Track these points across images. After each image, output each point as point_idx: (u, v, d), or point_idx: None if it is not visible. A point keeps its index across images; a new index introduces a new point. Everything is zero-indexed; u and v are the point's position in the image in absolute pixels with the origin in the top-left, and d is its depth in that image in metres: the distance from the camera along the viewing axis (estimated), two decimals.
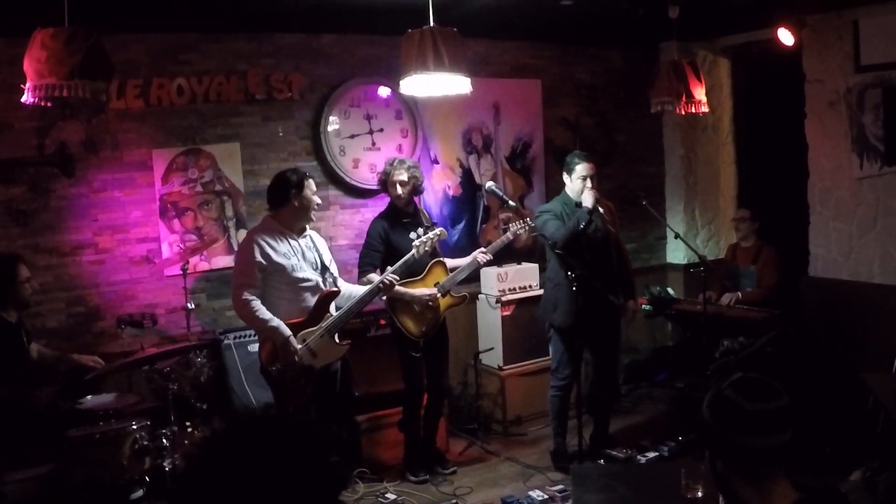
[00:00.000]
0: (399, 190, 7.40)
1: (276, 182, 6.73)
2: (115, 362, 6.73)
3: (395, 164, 7.47)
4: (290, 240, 6.64)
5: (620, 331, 7.99)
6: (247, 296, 6.43)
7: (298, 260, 6.62)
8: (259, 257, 6.48)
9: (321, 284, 6.75)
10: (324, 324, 6.63)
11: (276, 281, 6.56)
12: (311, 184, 6.70)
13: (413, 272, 7.33)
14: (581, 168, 7.48)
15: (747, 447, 2.76)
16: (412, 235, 7.29)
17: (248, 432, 2.06)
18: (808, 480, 2.87)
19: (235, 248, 8.08)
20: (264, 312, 6.42)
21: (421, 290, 7.37)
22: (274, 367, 6.47)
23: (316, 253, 6.82)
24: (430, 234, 7.15)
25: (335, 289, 6.81)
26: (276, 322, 6.41)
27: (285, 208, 6.65)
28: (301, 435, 2.09)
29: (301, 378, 6.50)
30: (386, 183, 7.47)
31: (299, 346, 6.46)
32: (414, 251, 7.05)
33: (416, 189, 7.52)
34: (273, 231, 6.62)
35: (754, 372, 3.00)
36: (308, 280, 6.66)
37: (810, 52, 9.03)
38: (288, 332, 6.42)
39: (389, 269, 7.01)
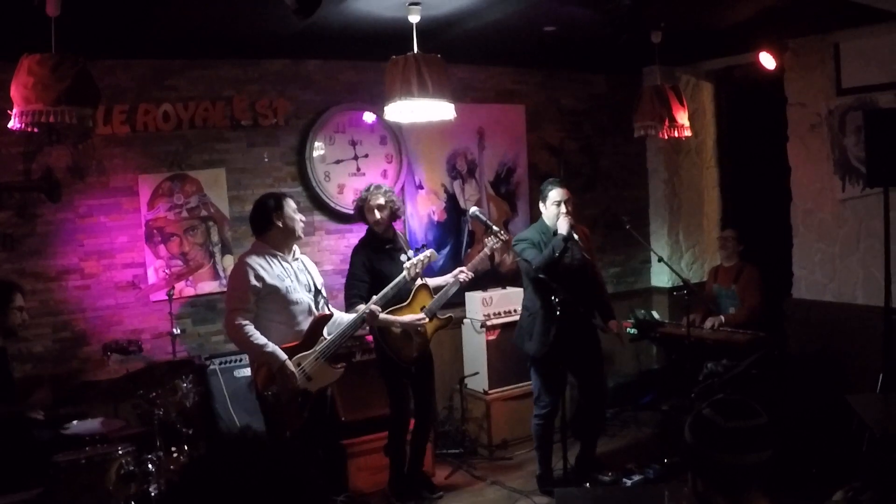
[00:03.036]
0: (377, 215, 7.39)
1: (255, 209, 6.73)
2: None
3: (371, 189, 7.48)
4: (282, 262, 6.63)
5: (601, 354, 8.00)
6: (240, 320, 6.37)
7: (292, 281, 6.60)
8: (253, 280, 6.44)
9: (313, 307, 6.73)
10: (318, 347, 6.61)
11: (269, 303, 6.53)
12: (290, 203, 6.70)
13: (399, 298, 7.33)
14: (554, 193, 7.49)
15: (726, 465, 2.80)
16: (402, 258, 7.29)
17: (231, 457, 2.08)
18: (790, 500, 2.90)
19: (221, 274, 8.12)
20: (259, 337, 6.36)
21: (410, 317, 7.36)
22: (269, 392, 6.44)
23: (308, 275, 6.81)
24: (421, 256, 7.15)
25: (328, 312, 6.80)
26: (272, 347, 6.36)
27: (271, 231, 6.63)
28: (284, 461, 2.11)
29: (296, 402, 6.49)
30: (363, 209, 7.45)
31: (296, 370, 6.46)
32: (405, 273, 7.05)
33: (393, 214, 7.52)
34: (265, 253, 6.60)
35: (738, 394, 3.04)
36: (301, 302, 6.64)
37: (792, 76, 9.10)
38: (284, 356, 6.38)
39: (375, 297, 7.00)
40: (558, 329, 7.26)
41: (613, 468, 7.97)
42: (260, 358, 6.46)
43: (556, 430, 7.66)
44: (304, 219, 6.85)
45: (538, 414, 7.69)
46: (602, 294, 8.02)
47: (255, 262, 6.53)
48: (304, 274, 6.77)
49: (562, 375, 7.67)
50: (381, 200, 7.40)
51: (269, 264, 6.56)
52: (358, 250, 7.49)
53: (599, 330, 7.50)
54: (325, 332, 6.74)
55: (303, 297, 6.66)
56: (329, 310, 6.86)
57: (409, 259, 7.17)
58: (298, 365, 6.49)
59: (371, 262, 7.32)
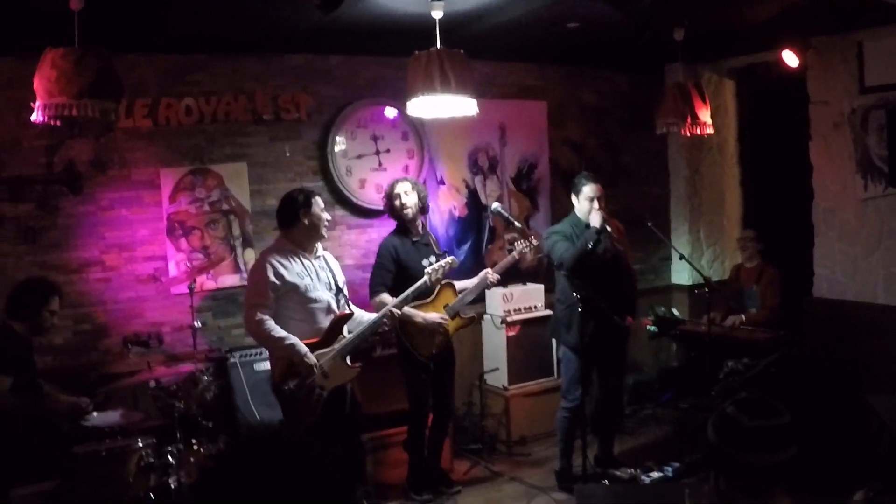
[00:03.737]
0: (406, 200, 7.42)
1: (283, 203, 6.76)
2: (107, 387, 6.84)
3: (398, 180, 7.54)
4: (303, 259, 6.65)
5: (627, 352, 8.01)
6: (260, 315, 6.42)
7: (312, 280, 6.62)
8: (273, 277, 6.48)
9: (333, 305, 6.75)
10: (336, 346, 6.63)
11: (289, 301, 6.56)
12: (318, 201, 6.72)
13: (423, 294, 7.33)
14: (588, 189, 7.50)
15: (748, 464, 2.79)
16: (424, 262, 7.31)
17: (258, 452, 2.07)
18: (812, 500, 2.89)
19: (242, 268, 8.14)
20: (279, 331, 6.41)
21: (432, 315, 7.37)
22: (287, 386, 6.47)
23: (330, 273, 6.83)
24: (443, 262, 7.19)
25: (349, 311, 6.81)
26: (293, 339, 6.42)
27: (296, 228, 6.66)
28: (309, 457, 2.10)
29: (312, 398, 6.51)
30: (391, 197, 7.47)
31: (315, 364, 6.47)
32: (426, 278, 7.08)
33: (423, 204, 7.55)
34: (286, 251, 6.64)
35: (759, 392, 3.03)
36: (321, 300, 6.67)
37: (815, 74, 9.06)
38: (304, 349, 6.42)
39: (395, 299, 7.01)
40: (595, 323, 7.28)
41: (632, 465, 7.96)
42: (280, 351, 6.51)
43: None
44: (329, 218, 6.87)
45: (566, 407, 7.69)
46: (631, 290, 8.02)
47: (276, 259, 6.57)
48: (325, 272, 6.78)
49: (591, 370, 7.68)
50: (409, 187, 7.45)
51: (290, 262, 6.59)
52: (387, 240, 7.52)
53: (618, 325, 7.48)
54: (345, 330, 6.76)
55: (322, 295, 6.68)
56: (350, 308, 6.86)
57: (430, 265, 7.19)
58: (316, 363, 6.51)
59: (398, 254, 7.34)
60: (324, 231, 6.79)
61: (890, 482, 5.74)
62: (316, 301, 6.64)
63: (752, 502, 2.81)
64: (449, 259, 7.28)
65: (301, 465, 2.05)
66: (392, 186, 7.51)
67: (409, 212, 7.43)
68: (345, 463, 6.95)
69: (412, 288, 7.04)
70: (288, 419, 6.55)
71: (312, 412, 6.50)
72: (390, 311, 6.88)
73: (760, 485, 2.79)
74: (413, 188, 7.47)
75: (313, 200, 6.68)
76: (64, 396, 6.59)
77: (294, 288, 6.53)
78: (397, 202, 7.44)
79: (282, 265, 6.54)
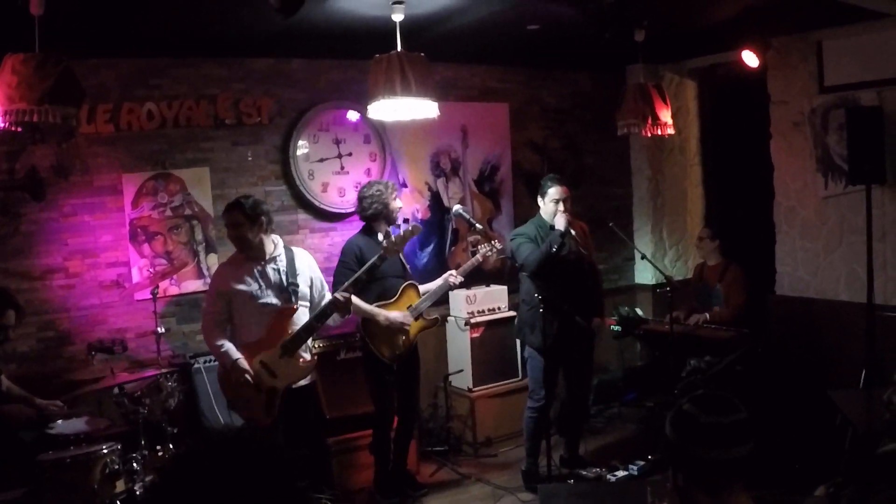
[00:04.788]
0: (398, 204, 7.55)
1: None
2: (76, 392, 6.81)
3: (388, 189, 7.51)
4: (255, 266, 6.65)
5: (592, 352, 8.06)
6: (208, 323, 6.64)
7: (260, 285, 6.61)
8: (221, 286, 6.63)
9: (280, 308, 6.73)
10: (281, 343, 6.60)
11: (240, 307, 6.61)
12: (225, 218, 6.81)
13: (386, 295, 7.37)
14: (553, 191, 7.55)
15: (704, 460, 2.81)
16: (379, 237, 7.30)
17: (215, 453, 2.08)
18: (774, 496, 2.92)
19: (205, 273, 8.14)
20: (218, 339, 6.54)
21: (395, 314, 7.38)
22: (230, 391, 6.58)
23: (283, 275, 6.75)
24: (401, 231, 7.13)
25: (290, 306, 6.73)
26: (227, 347, 6.50)
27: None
28: (268, 458, 2.11)
29: (262, 399, 6.52)
30: (385, 210, 7.45)
31: (254, 369, 6.47)
32: (382, 250, 6.94)
33: None
34: (237, 259, 6.73)
35: (721, 390, 3.06)
36: (270, 304, 6.65)
37: (775, 74, 9.15)
38: (236, 355, 6.47)
39: (349, 280, 6.90)
40: (559, 323, 7.31)
41: (598, 464, 8.00)
42: (217, 358, 6.68)
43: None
44: (234, 236, 6.72)
45: (532, 407, 7.73)
46: (597, 291, 8.06)
47: (226, 268, 6.75)
48: (276, 274, 6.73)
49: (557, 370, 7.72)
50: (399, 203, 7.57)
51: (238, 269, 6.67)
52: (353, 240, 7.51)
53: (581, 326, 7.51)
54: (291, 326, 6.73)
55: (272, 300, 6.66)
56: (297, 304, 6.84)
57: (385, 237, 7.16)
58: (261, 362, 6.51)
59: (363, 254, 7.28)
60: (239, 249, 6.75)
61: (852, 477, 5.78)
62: (264, 306, 6.63)
63: (711, 498, 2.84)
64: (410, 225, 7.26)
65: (252, 461, 2.06)
66: (385, 200, 7.46)
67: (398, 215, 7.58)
68: (305, 462, 6.94)
69: (364, 268, 6.93)
70: (246, 423, 6.57)
71: (265, 414, 6.50)
72: (335, 297, 6.77)
73: (718, 480, 2.82)
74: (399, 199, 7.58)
75: (226, 215, 6.75)
76: (39, 400, 6.59)
77: (240, 293, 6.58)
78: (392, 216, 7.50)
79: (230, 273, 6.65)
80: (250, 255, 6.67)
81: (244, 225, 6.56)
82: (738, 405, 2.88)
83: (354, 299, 7.00)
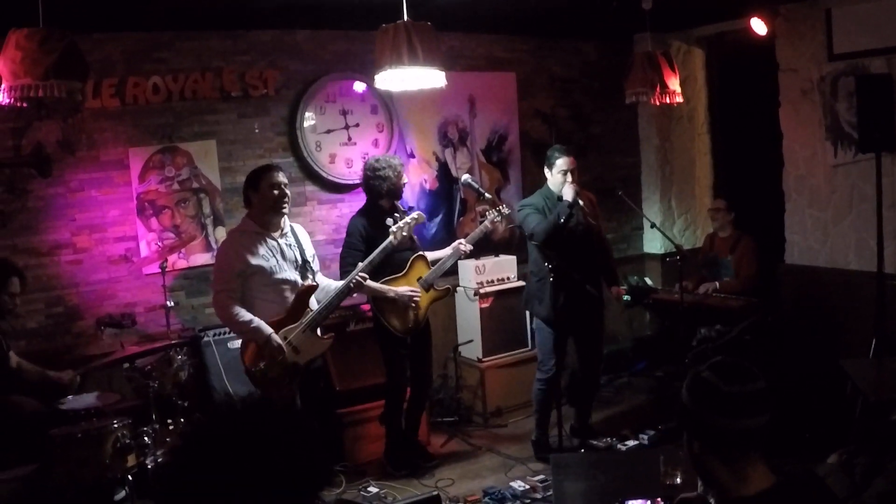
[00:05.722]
0: (404, 180, 7.54)
1: (245, 181, 6.75)
2: (89, 365, 6.80)
3: (396, 164, 7.47)
4: (268, 239, 6.58)
5: (603, 322, 8.04)
6: (225, 300, 6.43)
7: (278, 261, 6.57)
8: (236, 262, 6.47)
9: (300, 283, 6.69)
10: (304, 319, 6.61)
11: (255, 283, 6.52)
12: (272, 177, 6.56)
13: (395, 268, 7.34)
14: (561, 162, 7.51)
15: (722, 429, 2.78)
16: (388, 221, 7.20)
17: (233, 425, 2.07)
18: (786, 464, 2.89)
19: (213, 246, 8.10)
20: (244, 315, 6.39)
21: (403, 288, 7.35)
22: (256, 368, 6.47)
23: (297, 250, 6.77)
24: (407, 219, 7.11)
25: (313, 283, 6.76)
26: (257, 322, 6.40)
27: (252, 207, 6.65)
28: (288, 430, 2.10)
29: (286, 376, 6.51)
30: (398, 185, 7.43)
31: (283, 343, 6.46)
32: (391, 237, 6.99)
33: None
34: (250, 232, 6.59)
35: (724, 358, 3.02)
36: (288, 280, 6.61)
37: (783, 42, 9.08)
38: (269, 330, 6.40)
39: (361, 264, 6.95)
40: (567, 293, 7.30)
41: (608, 434, 8.01)
42: (246, 335, 6.54)
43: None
44: (279, 193, 6.58)
45: (541, 378, 7.72)
46: (608, 260, 8.08)
47: (240, 241, 6.57)
48: (291, 249, 6.71)
49: (565, 340, 7.71)
50: (405, 179, 7.55)
51: (254, 243, 6.54)
52: (356, 218, 7.47)
53: (592, 296, 7.49)
54: (312, 302, 6.74)
55: (289, 275, 6.63)
56: (315, 280, 6.84)
57: (394, 223, 7.12)
58: (285, 338, 6.49)
59: (368, 231, 7.28)
60: (284, 208, 6.66)
61: (863, 445, 5.77)
62: (283, 282, 6.60)
63: (727, 467, 2.82)
64: (414, 214, 7.23)
65: (282, 435, 2.05)
66: (397, 174, 7.43)
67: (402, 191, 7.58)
68: (326, 438, 6.94)
69: (377, 250, 6.98)
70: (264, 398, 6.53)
71: (287, 390, 6.50)
72: (356, 278, 6.84)
73: (735, 449, 2.80)
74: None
75: (262, 177, 6.57)
76: (52, 372, 6.59)
77: (259, 270, 6.49)
78: (398, 183, 7.46)
79: (245, 248, 6.51)
80: (271, 226, 6.63)
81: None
82: (757, 374, 2.84)
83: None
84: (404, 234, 7.06)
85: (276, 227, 6.67)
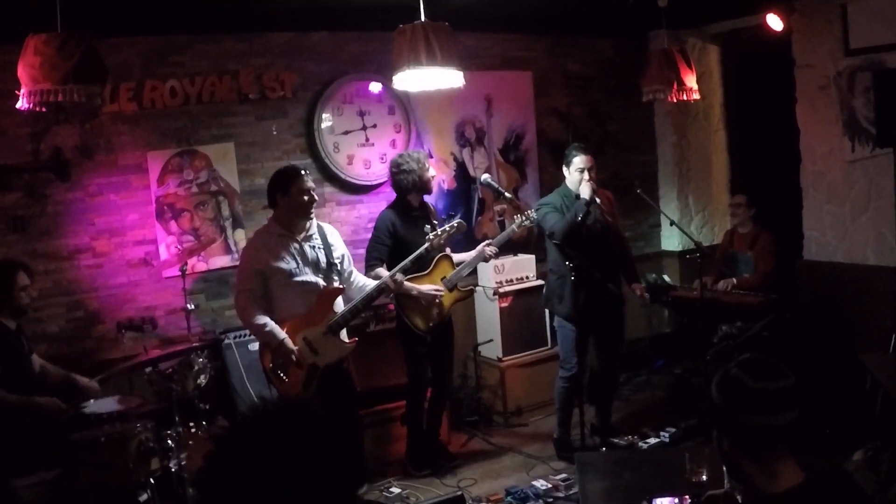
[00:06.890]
0: (432, 173, 7.52)
1: (269, 182, 6.73)
2: (112, 369, 6.84)
3: (420, 158, 7.46)
4: (292, 242, 6.58)
5: (624, 320, 8.04)
6: (245, 301, 6.47)
7: (298, 263, 6.56)
8: (256, 262, 6.50)
9: (322, 285, 6.67)
10: (326, 322, 6.62)
11: (276, 283, 6.53)
12: (301, 181, 6.56)
13: (420, 267, 7.33)
14: (579, 160, 7.51)
15: (752, 426, 2.78)
16: (426, 228, 7.22)
17: (268, 428, 2.07)
18: (815, 461, 2.89)
19: (233, 248, 8.14)
20: (259, 317, 6.41)
21: (427, 287, 7.35)
22: (270, 368, 6.52)
23: (322, 252, 6.75)
24: (447, 226, 7.11)
25: (338, 286, 6.76)
26: (271, 325, 6.42)
27: (278, 208, 6.65)
28: (323, 430, 2.11)
29: (302, 377, 6.52)
30: (421, 179, 7.40)
31: (297, 346, 6.46)
32: (427, 244, 7.00)
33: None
34: (273, 234, 6.60)
35: (752, 356, 3.02)
36: (308, 282, 6.61)
37: (800, 37, 9.06)
38: (282, 334, 6.42)
39: (397, 267, 6.96)
40: (588, 292, 7.30)
41: (629, 432, 8.04)
42: (260, 338, 6.57)
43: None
44: (308, 198, 6.60)
45: (564, 376, 7.70)
46: (627, 258, 8.09)
47: (263, 243, 6.59)
48: (315, 251, 6.70)
49: (587, 338, 7.71)
50: (433, 172, 7.53)
51: (277, 245, 6.56)
52: (385, 214, 7.50)
53: (612, 294, 7.49)
54: (337, 304, 6.74)
55: (309, 277, 6.62)
56: (342, 283, 6.83)
57: (432, 229, 7.13)
58: (304, 339, 6.51)
59: (395, 227, 7.32)
60: (310, 211, 6.67)
61: (888, 440, 5.76)
62: (303, 284, 6.59)
63: (756, 463, 2.82)
64: (456, 222, 7.20)
65: (318, 435, 2.06)
66: (421, 168, 7.41)
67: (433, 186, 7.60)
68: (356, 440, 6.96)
69: (410, 258, 6.99)
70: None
71: (304, 392, 6.50)
72: (387, 282, 6.86)
73: (765, 446, 2.80)
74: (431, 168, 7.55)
75: (293, 181, 6.56)
76: (79, 377, 6.63)
77: (279, 271, 6.50)
78: (428, 186, 7.48)
79: (266, 249, 6.53)
80: (296, 229, 6.64)
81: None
82: (785, 371, 2.84)
83: (383, 273, 7.03)
84: (441, 241, 7.09)
85: (301, 229, 6.67)
